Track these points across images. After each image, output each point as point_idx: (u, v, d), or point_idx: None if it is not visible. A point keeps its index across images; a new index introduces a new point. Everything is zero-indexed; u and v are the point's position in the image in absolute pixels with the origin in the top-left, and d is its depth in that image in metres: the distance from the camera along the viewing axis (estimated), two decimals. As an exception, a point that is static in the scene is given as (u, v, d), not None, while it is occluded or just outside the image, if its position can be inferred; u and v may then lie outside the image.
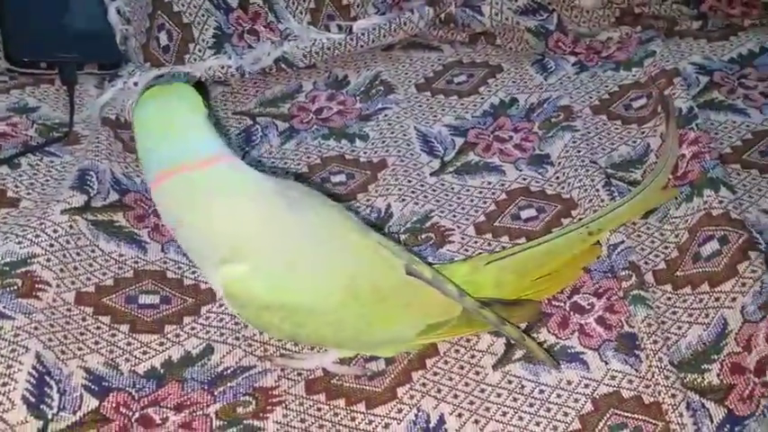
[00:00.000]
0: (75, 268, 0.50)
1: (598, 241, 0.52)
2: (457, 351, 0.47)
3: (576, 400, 0.44)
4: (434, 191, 0.58)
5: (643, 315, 0.48)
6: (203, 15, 0.67)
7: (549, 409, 0.44)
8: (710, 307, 0.48)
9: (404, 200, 0.58)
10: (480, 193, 0.58)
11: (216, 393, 0.45)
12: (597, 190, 0.56)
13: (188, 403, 0.45)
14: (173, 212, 0.41)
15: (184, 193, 0.39)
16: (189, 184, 0.39)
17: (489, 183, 0.59)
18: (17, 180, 0.55)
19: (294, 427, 0.44)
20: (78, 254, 0.50)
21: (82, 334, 0.47)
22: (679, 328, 0.48)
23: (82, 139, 0.59)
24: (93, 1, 0.68)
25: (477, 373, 0.46)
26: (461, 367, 0.47)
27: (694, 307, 0.49)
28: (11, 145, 0.57)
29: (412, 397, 0.45)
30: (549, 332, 0.48)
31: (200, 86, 0.64)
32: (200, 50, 0.66)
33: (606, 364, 0.46)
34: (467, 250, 0.54)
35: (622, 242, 0.52)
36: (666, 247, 0.53)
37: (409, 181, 0.59)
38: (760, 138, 0.61)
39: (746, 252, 0.49)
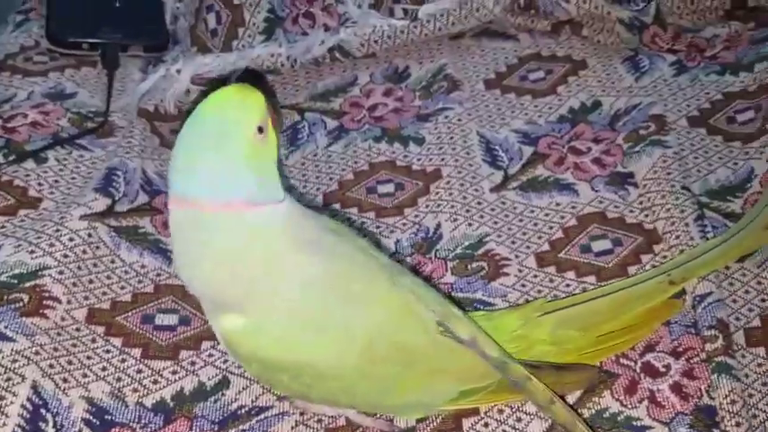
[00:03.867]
0: (91, 281, 0.46)
1: (683, 289, 0.44)
2: (500, 412, 0.41)
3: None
4: (493, 210, 0.51)
5: (727, 389, 0.40)
6: (257, -5, 0.61)
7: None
8: (815, 383, 0.40)
9: (456, 219, 0.51)
10: (546, 215, 0.51)
11: (226, 436, 0.41)
12: (687, 224, 0.48)
13: (195, 445, 0.40)
14: (178, 245, 0.36)
15: (193, 230, 0.35)
16: (199, 223, 0.34)
17: (558, 204, 0.51)
18: (41, 177, 0.51)
19: (308, 486, 0.39)
20: (95, 265, 0.47)
21: (89, 358, 0.43)
22: (771, 405, 0.40)
23: (116, 131, 0.55)
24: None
25: (522, 443, 0.40)
26: (503, 433, 0.40)
27: (794, 379, 0.40)
28: (40, 136, 0.54)
29: (444, 464, 0.39)
30: (614, 397, 0.41)
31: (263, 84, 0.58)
32: (249, 36, 0.61)
33: (678, 443, 0.39)
34: (524, 285, 0.47)
35: (710, 293, 0.44)
36: (764, 300, 0.44)
37: (464, 197, 0.52)
38: None
39: None
